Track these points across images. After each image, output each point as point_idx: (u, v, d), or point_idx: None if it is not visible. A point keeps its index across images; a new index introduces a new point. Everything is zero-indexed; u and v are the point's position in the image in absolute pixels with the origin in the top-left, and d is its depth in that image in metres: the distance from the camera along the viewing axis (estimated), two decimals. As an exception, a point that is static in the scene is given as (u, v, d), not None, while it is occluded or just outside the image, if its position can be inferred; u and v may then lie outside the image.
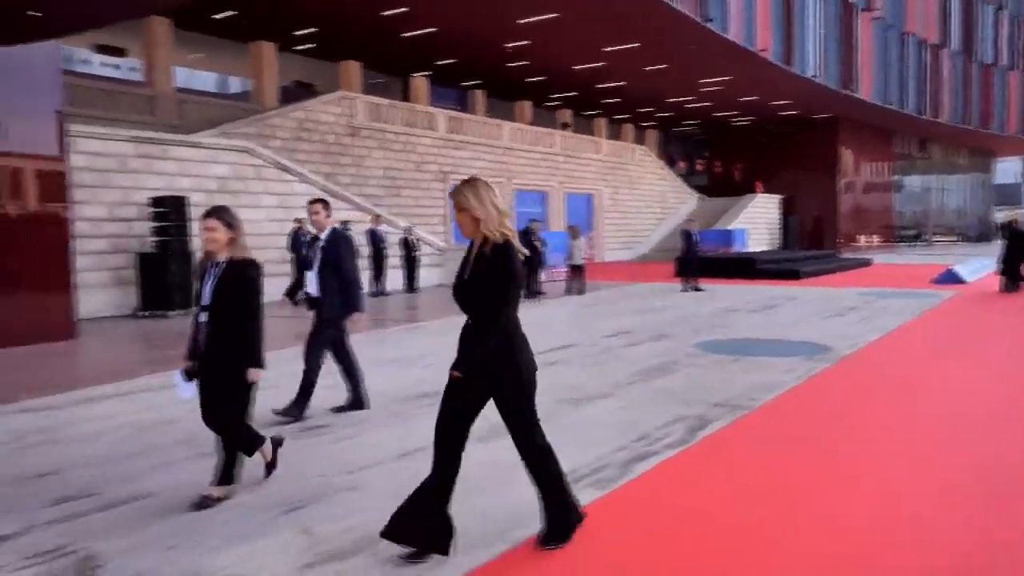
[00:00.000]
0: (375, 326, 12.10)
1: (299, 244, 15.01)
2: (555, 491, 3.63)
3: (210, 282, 4.17)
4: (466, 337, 3.50)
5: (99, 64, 23.42)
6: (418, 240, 18.77)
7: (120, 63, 24.40)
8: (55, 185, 10.88)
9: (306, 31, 24.83)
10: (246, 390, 4.26)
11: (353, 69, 27.84)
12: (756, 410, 6.33)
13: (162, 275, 13.57)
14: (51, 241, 10.81)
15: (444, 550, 3.43)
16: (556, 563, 3.50)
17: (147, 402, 6.89)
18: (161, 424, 6.03)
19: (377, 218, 18.21)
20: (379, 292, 17.18)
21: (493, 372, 3.45)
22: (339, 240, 6.08)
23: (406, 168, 25.71)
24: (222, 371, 4.14)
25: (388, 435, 5.70)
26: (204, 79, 27.73)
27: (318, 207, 6.12)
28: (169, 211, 13.74)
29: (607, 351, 9.41)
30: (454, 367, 3.46)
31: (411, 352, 9.54)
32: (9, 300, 10.19)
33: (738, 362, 8.46)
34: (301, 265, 14.87)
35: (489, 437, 4.81)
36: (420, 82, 31.20)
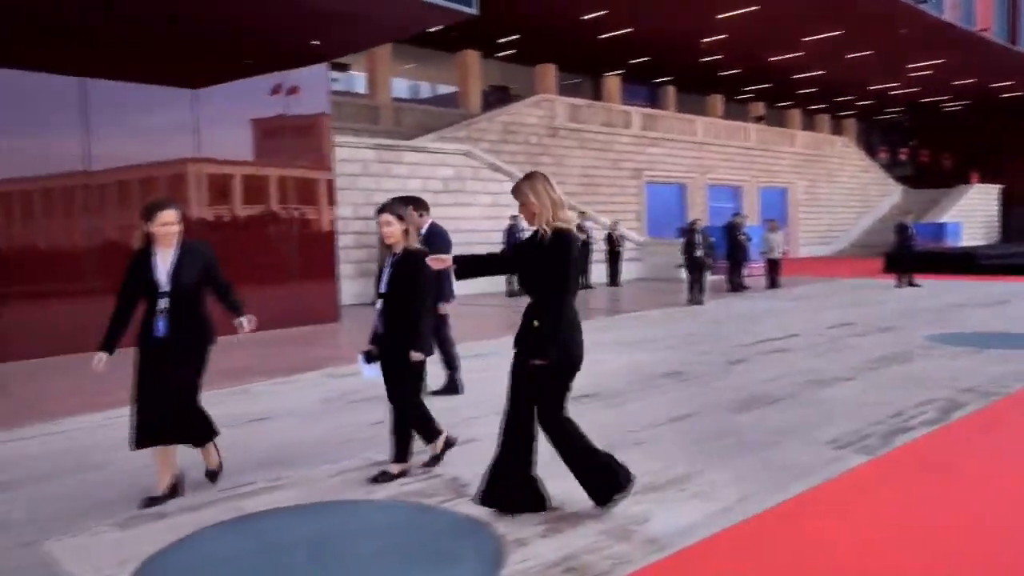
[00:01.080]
0: (606, 315, 12.91)
1: (514, 239, 16.17)
2: (582, 462, 3.84)
3: (387, 271, 4.47)
4: (528, 317, 3.73)
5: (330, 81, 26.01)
6: (621, 236, 19.42)
7: (342, 76, 26.97)
8: (324, 190, 12.59)
9: (509, 38, 26.23)
10: (417, 372, 4.55)
11: (549, 72, 28.98)
12: (1011, 395, 6.40)
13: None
14: (321, 238, 12.53)
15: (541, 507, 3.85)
16: (842, 520, 4.00)
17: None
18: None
19: (582, 215, 19.05)
20: (584, 285, 18.00)
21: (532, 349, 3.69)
22: (432, 236, 6.28)
23: (603, 166, 26.44)
24: (397, 354, 4.47)
25: (651, 404, 6.39)
26: (412, 87, 29.97)
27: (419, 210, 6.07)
28: (405, 210, 15.29)
29: (835, 341, 9.58)
30: (534, 356, 3.66)
31: (635, 336, 10.22)
32: (290, 288, 11.94)
33: (980, 354, 8.39)
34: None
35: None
36: (612, 81, 31.85)
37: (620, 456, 4.01)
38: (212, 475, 4.52)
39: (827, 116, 42.25)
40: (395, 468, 4.55)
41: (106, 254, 10.01)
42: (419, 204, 5.96)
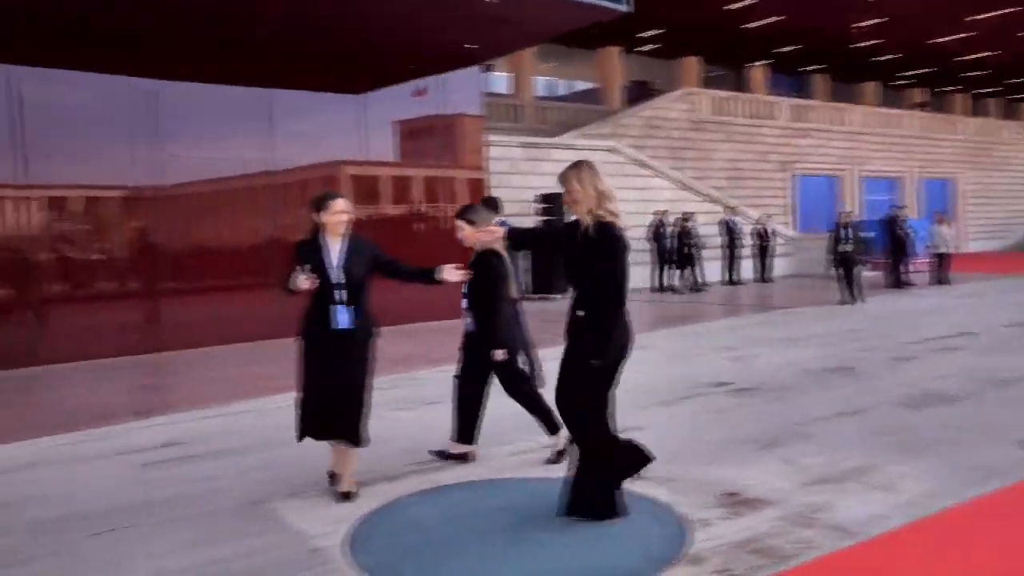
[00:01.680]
0: (759, 310, 12.68)
1: (660, 235, 16.12)
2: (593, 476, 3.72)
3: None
4: (576, 309, 3.66)
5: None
6: (770, 231, 18.90)
7: (487, 77, 27.71)
8: (477, 188, 13.08)
9: (651, 32, 26.03)
10: (503, 367, 4.70)
11: (692, 65, 28.51)
12: None
13: (548, 262, 15.46)
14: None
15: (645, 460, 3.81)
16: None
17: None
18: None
19: (732, 209, 18.70)
20: (733, 281, 17.67)
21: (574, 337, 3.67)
22: None
23: (749, 159, 25.74)
24: (486, 352, 4.63)
25: (816, 399, 6.30)
26: (553, 85, 30.34)
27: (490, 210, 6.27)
28: (552, 206, 15.59)
29: (1011, 340, 9.01)
30: (590, 356, 3.56)
31: (793, 333, 9.99)
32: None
33: None
34: (661, 254, 16.08)
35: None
36: (757, 71, 30.92)
37: (788, 448, 4.02)
38: (336, 481, 4.28)
39: (998, 100, 39.12)
40: (560, 443, 4.61)
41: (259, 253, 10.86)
42: (489, 203, 6.41)
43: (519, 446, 5.10)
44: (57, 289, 9.70)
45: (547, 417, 4.68)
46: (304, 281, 3.99)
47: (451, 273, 4.34)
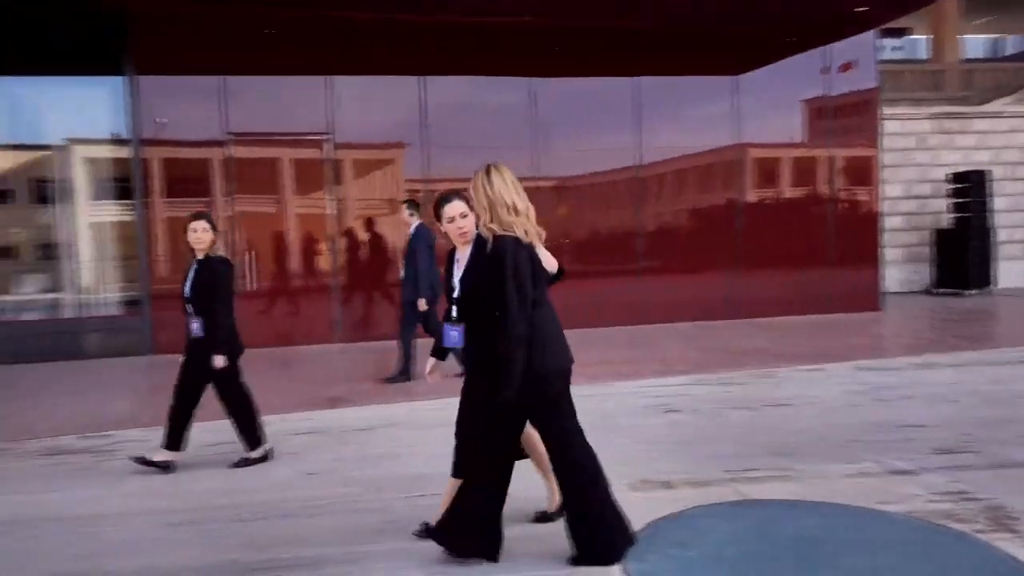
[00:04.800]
0: None
1: None
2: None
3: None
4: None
5: (890, 49, 23.99)
6: None
7: (901, 43, 24.57)
8: (867, 168, 11.69)
9: None
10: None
11: None
12: None
13: (959, 252, 13.23)
14: (864, 221, 11.70)
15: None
16: None
17: (992, 375, 6.85)
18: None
19: None
20: None
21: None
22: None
23: None
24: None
25: None
26: (986, 45, 25.77)
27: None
28: (969, 186, 13.25)
29: None
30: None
31: None
32: (825, 273, 11.39)
33: None
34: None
35: None
36: None
37: None
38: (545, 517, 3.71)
39: None
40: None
41: (655, 240, 11.00)
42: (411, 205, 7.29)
43: (862, 467, 4.40)
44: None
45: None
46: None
47: None
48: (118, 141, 9.78)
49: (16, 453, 5.27)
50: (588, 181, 11.37)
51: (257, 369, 8.35)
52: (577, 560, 3.20)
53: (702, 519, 3.67)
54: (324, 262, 10.29)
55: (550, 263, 3.34)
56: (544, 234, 3.31)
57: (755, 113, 11.32)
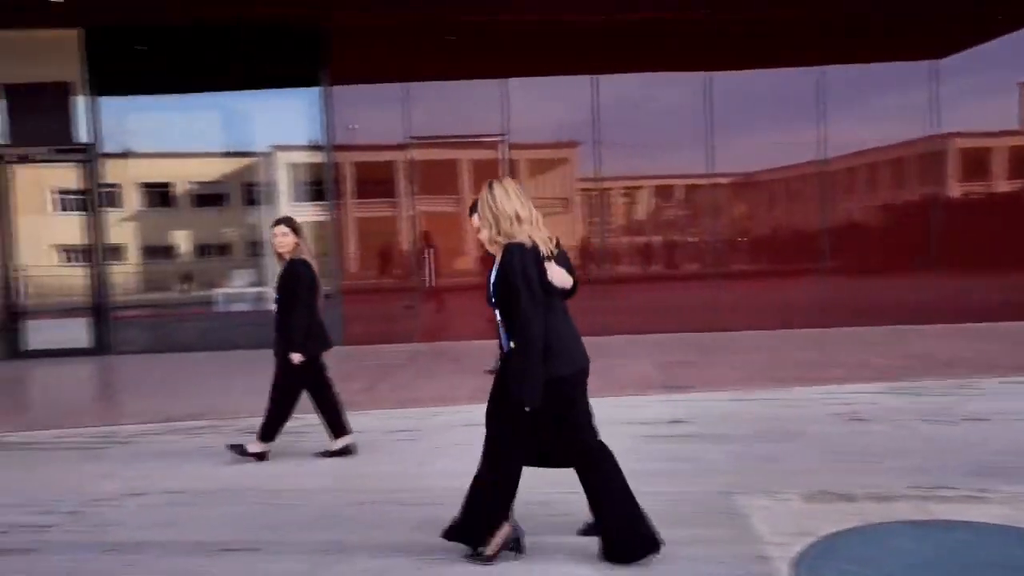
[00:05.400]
0: None
1: None
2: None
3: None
4: None
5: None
6: None
7: None
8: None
9: None
10: None
11: None
12: None
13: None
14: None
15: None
16: None
17: None
18: None
19: None
20: None
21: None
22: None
23: None
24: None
25: None
26: None
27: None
28: None
29: None
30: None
31: None
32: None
33: None
34: None
35: None
36: None
37: None
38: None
39: None
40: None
41: (840, 238, 10.44)
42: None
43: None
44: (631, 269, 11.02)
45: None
46: None
47: None
48: (315, 147, 10.60)
49: (225, 431, 5.85)
50: (767, 177, 10.92)
51: (433, 363, 8.81)
52: (603, 556, 3.28)
53: (885, 537, 3.43)
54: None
55: (563, 279, 3.32)
56: (555, 242, 3.34)
57: (959, 99, 10.36)
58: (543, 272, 3.22)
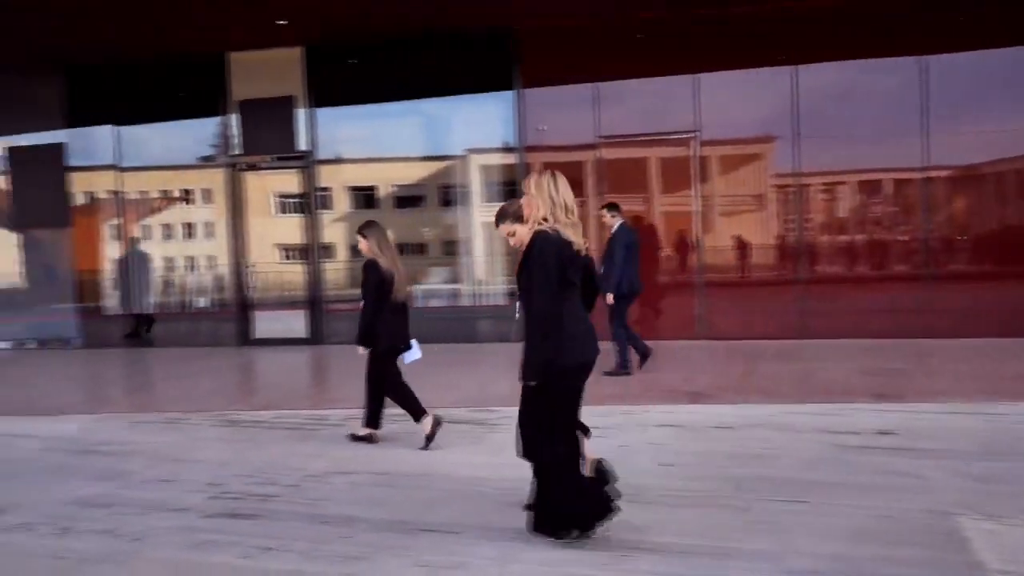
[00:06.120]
0: None
1: None
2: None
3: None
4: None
5: None
6: None
7: None
8: None
9: None
10: None
11: None
12: None
13: None
14: None
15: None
16: None
17: None
18: None
19: None
20: None
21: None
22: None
23: None
24: None
25: None
26: None
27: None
28: None
29: None
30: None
31: None
32: None
33: None
34: None
35: None
36: None
37: None
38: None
39: None
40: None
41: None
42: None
43: None
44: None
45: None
46: None
47: None
48: (507, 149, 10.92)
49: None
50: (991, 170, 9.86)
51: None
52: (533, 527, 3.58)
53: None
54: (690, 259, 10.38)
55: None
56: (585, 246, 3.57)
57: None
58: (567, 264, 3.45)
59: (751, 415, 5.97)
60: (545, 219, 3.50)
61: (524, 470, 4.70)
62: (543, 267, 3.40)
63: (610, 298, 7.53)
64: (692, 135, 10.15)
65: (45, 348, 12.26)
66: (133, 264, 12.17)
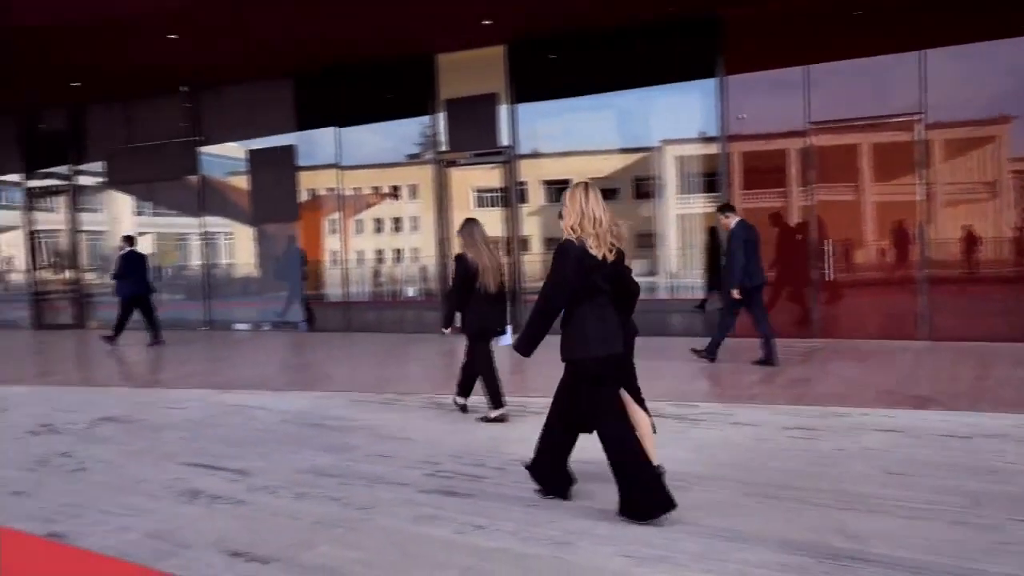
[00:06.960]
0: None
1: None
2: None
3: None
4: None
5: None
6: None
7: None
8: None
9: None
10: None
11: None
12: None
13: None
14: None
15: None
16: None
17: None
18: None
19: None
20: None
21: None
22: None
23: None
24: None
25: None
26: None
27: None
28: None
29: None
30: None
31: None
32: None
33: None
34: None
35: None
36: None
37: None
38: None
39: None
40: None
41: None
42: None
43: None
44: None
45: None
46: None
47: None
48: (706, 139, 10.62)
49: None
50: None
51: (832, 361, 8.27)
52: (620, 512, 3.82)
53: None
54: (911, 252, 9.58)
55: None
56: (615, 251, 3.96)
57: None
58: (588, 271, 3.86)
59: (985, 425, 5.43)
60: (573, 229, 3.90)
61: (725, 469, 4.60)
62: (559, 273, 3.90)
63: (736, 292, 7.92)
64: (917, 117, 9.33)
65: (278, 330, 13.55)
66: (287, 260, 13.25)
